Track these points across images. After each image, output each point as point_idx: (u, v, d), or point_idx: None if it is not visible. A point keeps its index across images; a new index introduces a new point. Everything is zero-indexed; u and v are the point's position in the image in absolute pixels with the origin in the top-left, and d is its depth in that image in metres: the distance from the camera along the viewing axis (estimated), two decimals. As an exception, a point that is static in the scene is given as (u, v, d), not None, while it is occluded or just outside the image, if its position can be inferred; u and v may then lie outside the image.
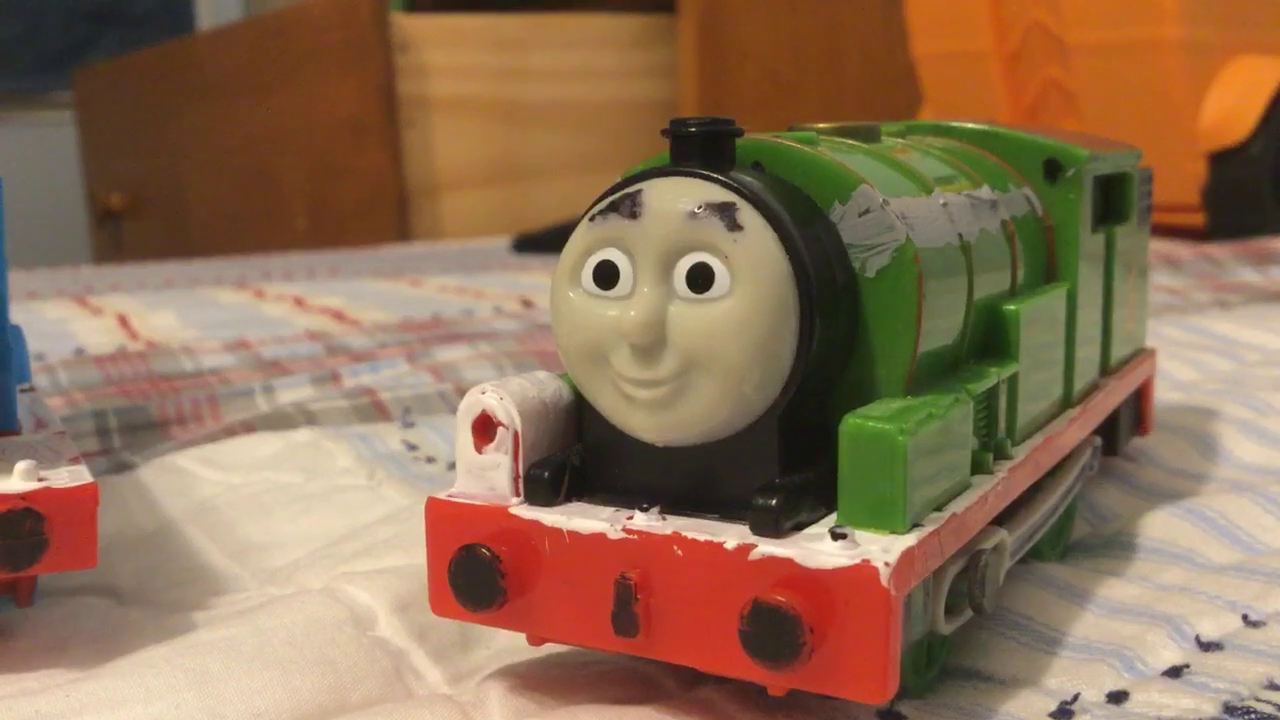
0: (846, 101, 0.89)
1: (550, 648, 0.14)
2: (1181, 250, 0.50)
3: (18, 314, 0.18)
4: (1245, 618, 0.14)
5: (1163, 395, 0.25)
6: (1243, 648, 0.14)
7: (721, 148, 0.11)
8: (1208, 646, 0.14)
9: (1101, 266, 0.15)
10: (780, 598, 0.10)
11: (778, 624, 0.10)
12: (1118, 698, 0.13)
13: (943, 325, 0.12)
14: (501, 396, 0.12)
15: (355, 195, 1.00)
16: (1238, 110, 0.59)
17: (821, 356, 0.11)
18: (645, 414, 0.11)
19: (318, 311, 0.43)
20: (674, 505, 0.11)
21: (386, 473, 0.22)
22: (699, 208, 0.11)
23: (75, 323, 0.41)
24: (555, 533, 0.11)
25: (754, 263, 0.11)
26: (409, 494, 0.21)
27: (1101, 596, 0.15)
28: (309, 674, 0.13)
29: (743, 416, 0.11)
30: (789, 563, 0.10)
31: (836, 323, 0.11)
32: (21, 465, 0.14)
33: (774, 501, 0.11)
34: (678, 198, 0.11)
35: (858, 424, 0.11)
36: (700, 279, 0.11)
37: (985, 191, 0.14)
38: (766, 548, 0.11)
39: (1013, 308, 0.13)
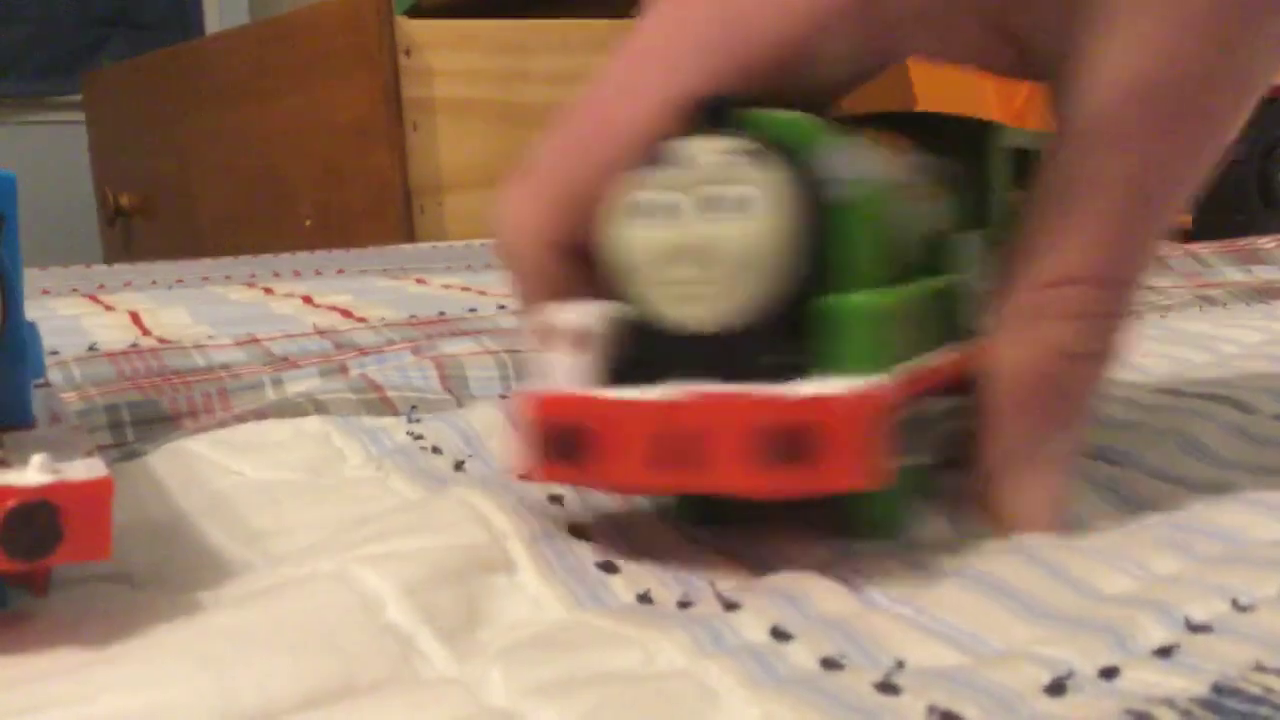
0: (840, 102, 0.89)
1: (552, 625, 0.15)
2: (1168, 249, 0.50)
3: (32, 310, 0.19)
4: (1235, 602, 0.14)
5: (1148, 393, 0.25)
6: (1232, 631, 0.14)
7: (729, 115, 0.16)
8: (1197, 629, 0.14)
9: (1011, 221, 0.20)
10: (784, 420, 0.14)
11: (785, 438, 0.14)
12: (1109, 674, 0.13)
13: (895, 246, 0.16)
14: (587, 313, 0.16)
15: (361, 196, 1.01)
16: None
17: (815, 262, 0.15)
18: (694, 307, 0.15)
19: (326, 309, 0.43)
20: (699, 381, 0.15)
21: (394, 464, 0.23)
22: (728, 151, 0.15)
23: (88, 319, 0.41)
24: (616, 404, 0.15)
25: (773, 192, 0.15)
26: (416, 487, 0.21)
27: (1091, 578, 0.15)
28: (319, 658, 0.14)
29: (759, 305, 0.15)
30: (785, 397, 0.14)
31: (819, 239, 0.15)
32: (37, 458, 0.14)
33: (781, 359, 0.15)
34: (710, 148, 0.15)
35: (835, 300, 0.15)
36: (733, 204, 0.15)
37: (919, 153, 0.18)
38: (772, 389, 0.14)
39: (951, 238, 0.18)
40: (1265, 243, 0.51)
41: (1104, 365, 0.17)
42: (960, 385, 0.17)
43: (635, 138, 0.16)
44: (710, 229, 0.15)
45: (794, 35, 0.16)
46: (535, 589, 0.16)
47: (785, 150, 0.15)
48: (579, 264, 0.17)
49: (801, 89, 0.17)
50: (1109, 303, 0.17)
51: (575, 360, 0.16)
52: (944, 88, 0.67)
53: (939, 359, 0.17)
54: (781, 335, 0.15)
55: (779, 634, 0.14)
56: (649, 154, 0.16)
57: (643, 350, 0.16)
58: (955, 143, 0.19)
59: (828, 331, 0.15)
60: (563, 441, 0.15)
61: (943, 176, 0.19)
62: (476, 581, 0.16)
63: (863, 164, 0.16)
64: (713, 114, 0.15)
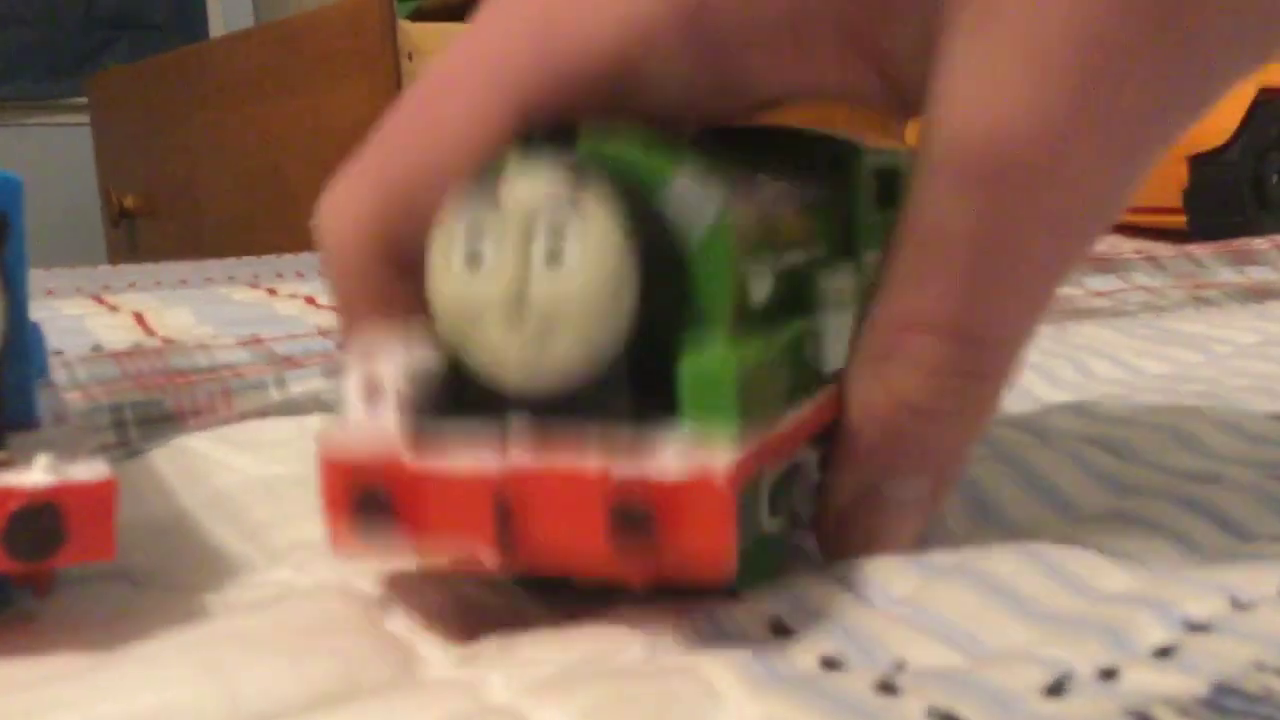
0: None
1: (553, 628, 0.15)
2: (1164, 249, 0.51)
3: (37, 311, 0.19)
4: (1234, 600, 0.14)
5: (1144, 393, 0.25)
6: (1232, 630, 0.14)
7: (564, 145, 0.14)
8: (1196, 628, 0.14)
9: (881, 243, 0.18)
10: (637, 502, 0.12)
11: (635, 522, 0.12)
12: (1109, 674, 0.13)
13: (756, 286, 0.15)
14: (387, 363, 0.14)
15: (366, 197, 1.00)
16: (1218, 115, 0.59)
17: (656, 315, 0.13)
18: (515, 368, 0.13)
19: (329, 310, 0.43)
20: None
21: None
22: (547, 195, 0.13)
23: (93, 320, 0.42)
24: (438, 471, 0.13)
25: (594, 240, 0.13)
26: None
27: (1090, 577, 0.15)
28: (321, 662, 0.14)
29: (594, 364, 0.13)
30: (640, 474, 0.13)
31: (667, 286, 0.14)
32: (41, 459, 0.14)
33: (628, 427, 0.13)
34: (531, 188, 0.13)
35: (693, 357, 0.13)
36: (552, 255, 0.13)
37: (786, 178, 0.17)
38: (619, 464, 0.13)
39: (814, 275, 0.16)
40: (1260, 244, 0.51)
41: (962, 426, 0.16)
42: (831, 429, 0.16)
43: (459, 137, 0.15)
44: (530, 282, 0.13)
45: (609, 48, 0.15)
46: (533, 602, 0.15)
47: (616, 184, 0.13)
48: (407, 277, 0.15)
49: (639, 112, 0.15)
50: (964, 361, 0.15)
51: (382, 418, 0.14)
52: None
53: (808, 409, 0.15)
54: (622, 399, 0.13)
55: (780, 629, 0.14)
56: (465, 185, 0.14)
57: (461, 402, 0.14)
58: (817, 162, 0.18)
59: (680, 394, 0.13)
60: (365, 506, 0.13)
61: (806, 201, 0.17)
62: (480, 597, 0.15)
63: (716, 194, 0.14)
64: (535, 140, 0.14)
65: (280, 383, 0.29)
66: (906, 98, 0.16)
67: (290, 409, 0.26)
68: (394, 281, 0.16)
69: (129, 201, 1.28)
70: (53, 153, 1.59)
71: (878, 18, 0.15)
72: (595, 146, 0.14)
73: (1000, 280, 0.15)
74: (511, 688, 0.13)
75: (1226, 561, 0.16)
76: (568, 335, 0.13)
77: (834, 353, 0.16)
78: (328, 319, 0.41)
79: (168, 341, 0.36)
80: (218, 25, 1.72)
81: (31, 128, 1.66)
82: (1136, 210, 0.63)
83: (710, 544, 0.12)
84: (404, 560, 0.15)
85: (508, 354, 0.13)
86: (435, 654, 0.14)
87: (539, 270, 0.13)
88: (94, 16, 1.75)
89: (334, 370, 0.31)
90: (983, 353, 0.15)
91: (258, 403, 0.28)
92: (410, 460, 0.13)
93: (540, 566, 0.13)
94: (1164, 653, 0.13)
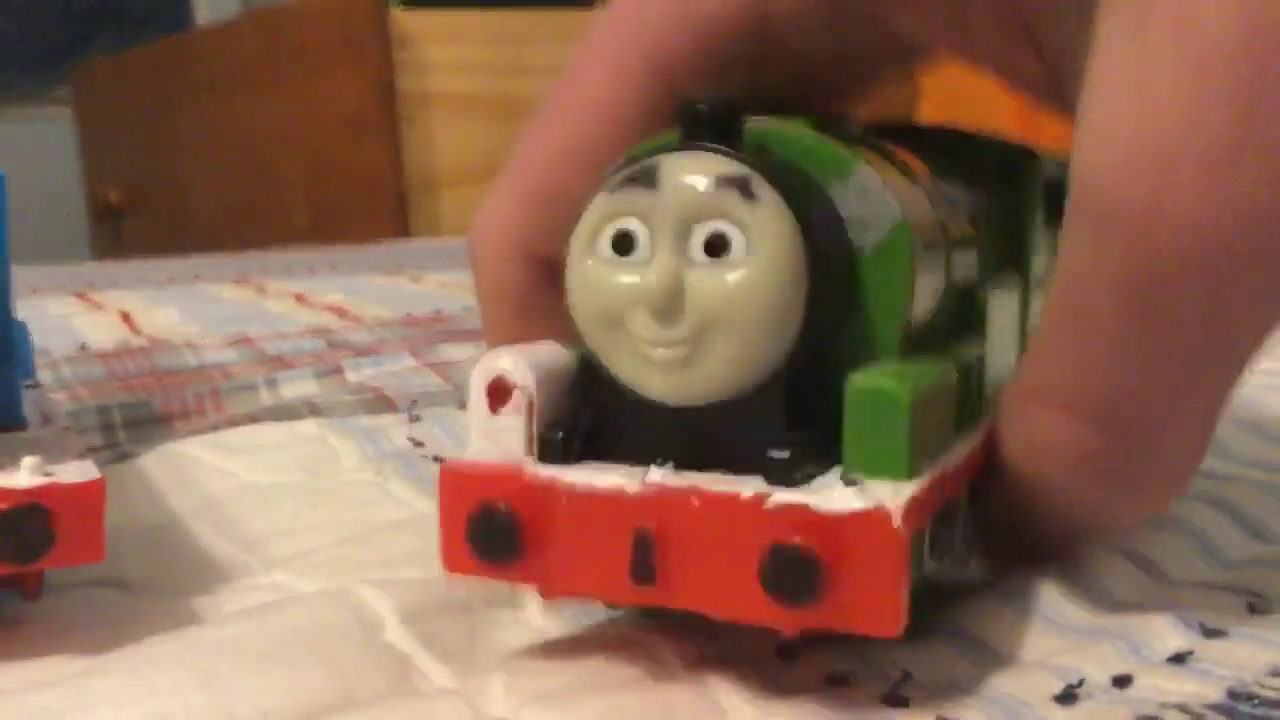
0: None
1: (558, 635, 0.14)
2: None
3: (21, 310, 0.18)
4: (1251, 606, 0.14)
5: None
6: (1247, 635, 0.14)
7: (730, 127, 0.12)
8: (1212, 633, 0.14)
9: (1047, 262, 0.17)
10: (798, 540, 0.11)
11: (796, 565, 0.11)
12: (1122, 681, 0.13)
13: (929, 300, 0.13)
14: (516, 360, 0.12)
15: (355, 191, 1.00)
16: None
17: (823, 323, 0.12)
18: (663, 374, 0.12)
19: (320, 308, 0.43)
20: (685, 465, 0.12)
21: (393, 468, 0.23)
22: (716, 179, 0.12)
23: (78, 318, 0.41)
24: (572, 489, 0.12)
25: (768, 231, 0.12)
26: (418, 493, 0.21)
27: (1105, 584, 0.15)
28: (316, 673, 0.13)
29: (753, 375, 0.12)
30: (804, 509, 0.11)
31: (836, 292, 0.12)
32: (28, 460, 0.14)
33: (782, 454, 0.11)
34: (694, 170, 0.12)
35: (864, 382, 0.11)
36: (716, 246, 0.12)
37: (956, 184, 0.15)
38: (782, 496, 0.11)
39: (984, 294, 0.15)
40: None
41: (1111, 511, 0.13)
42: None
43: (602, 109, 0.14)
44: (687, 276, 0.12)
45: (748, 2, 0.13)
46: (540, 623, 0.15)
47: (790, 178, 0.12)
48: (558, 289, 0.13)
49: (778, 64, 0.14)
50: (1105, 449, 0.12)
51: (506, 423, 0.12)
52: (950, 83, 0.66)
53: (975, 440, 0.13)
54: (778, 415, 0.12)
55: (785, 654, 0.13)
56: (617, 166, 0.12)
57: (601, 416, 0.12)
58: (981, 167, 0.16)
59: (846, 419, 0.11)
60: (489, 531, 0.12)
61: (975, 210, 0.15)
62: (480, 615, 0.15)
63: (889, 196, 0.12)
64: (698, 123, 0.12)
65: (270, 383, 0.29)
66: (1067, 96, 0.13)
67: (282, 413, 0.26)
68: (543, 295, 0.15)
69: (114, 196, 1.27)
70: (35, 146, 1.57)
71: None
72: (763, 131, 0.13)
73: (1153, 355, 0.12)
74: (510, 700, 0.13)
75: (1244, 565, 0.16)
76: (728, 339, 0.12)
77: (999, 379, 0.15)
78: (317, 316, 0.41)
79: (154, 341, 0.36)
80: (203, 15, 1.70)
81: (13, 121, 1.65)
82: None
83: (880, 591, 0.11)
84: (524, 590, 0.14)
85: (655, 356, 0.12)
86: (432, 664, 0.14)
87: (699, 262, 0.12)
88: (77, 6, 1.73)
89: (325, 371, 0.30)
90: (1130, 441, 0.12)
91: (248, 404, 0.27)
92: (537, 475, 0.12)
93: (680, 604, 0.12)
94: (1179, 659, 0.13)
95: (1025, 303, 0.16)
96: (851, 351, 0.12)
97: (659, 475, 0.12)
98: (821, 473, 0.12)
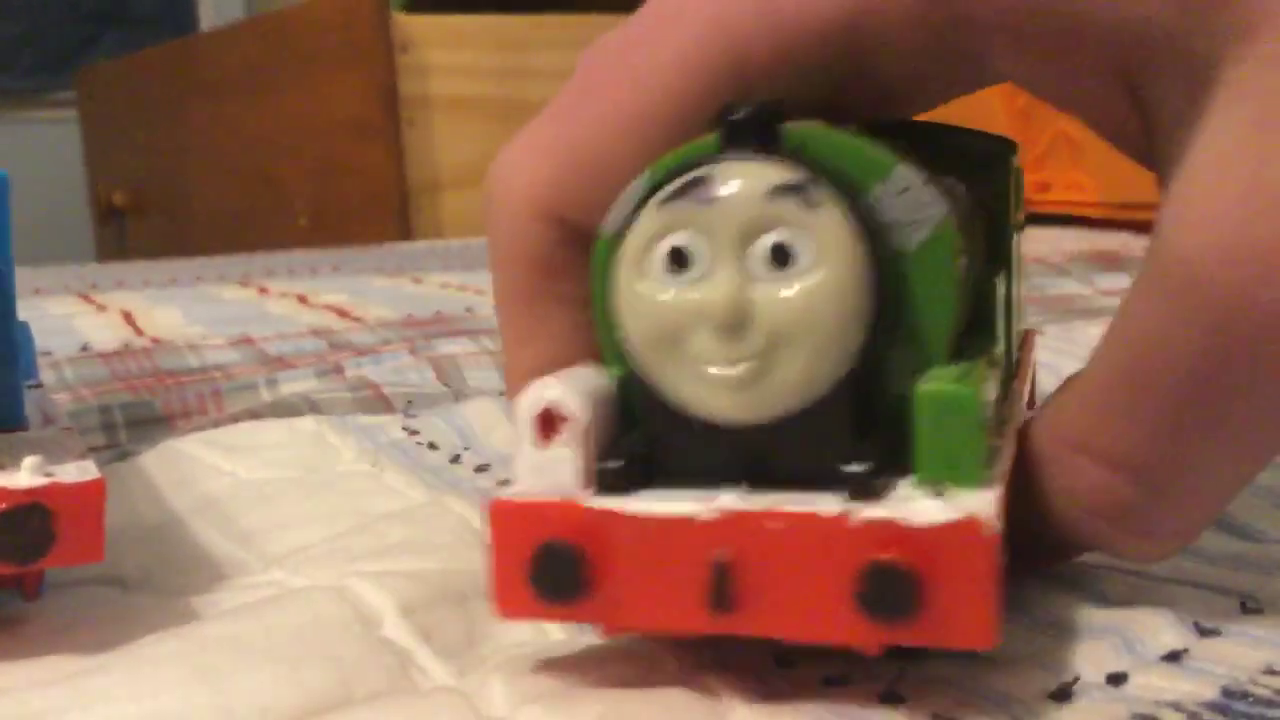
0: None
1: (554, 640, 0.14)
2: None
3: (24, 310, 0.18)
4: (1244, 605, 0.14)
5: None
6: (1241, 634, 0.14)
7: (772, 132, 0.12)
8: (1206, 632, 0.14)
9: (1017, 251, 0.17)
10: (893, 556, 0.11)
11: (894, 582, 0.11)
12: (1117, 679, 0.13)
13: (969, 298, 0.13)
14: (567, 389, 0.12)
15: (357, 194, 1.00)
16: None
17: (882, 329, 0.12)
18: (730, 393, 0.11)
19: (321, 308, 0.43)
20: (752, 485, 0.12)
21: (389, 459, 0.23)
22: (774, 187, 0.11)
23: (81, 319, 0.41)
24: (637, 520, 0.11)
25: (832, 238, 0.11)
26: (413, 483, 0.21)
27: (1098, 584, 0.15)
28: (315, 669, 0.13)
29: (821, 388, 0.11)
30: (894, 524, 0.11)
31: (889, 296, 0.12)
32: (29, 460, 0.14)
33: (859, 467, 0.11)
34: (750, 178, 0.11)
35: (933, 388, 0.11)
36: (780, 257, 0.11)
37: (952, 180, 0.15)
38: (870, 511, 0.11)
39: (993, 287, 0.14)
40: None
41: (1121, 552, 0.13)
42: None
43: (663, 89, 0.13)
44: (750, 289, 0.11)
45: (842, 11, 0.13)
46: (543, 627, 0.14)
47: (846, 183, 0.12)
48: (583, 257, 0.13)
49: (856, 80, 0.13)
50: (1137, 505, 0.13)
51: (559, 454, 0.12)
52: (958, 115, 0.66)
53: (1009, 441, 0.13)
54: (846, 427, 0.11)
55: (782, 661, 0.13)
56: (667, 181, 0.12)
57: (658, 440, 0.12)
58: (963, 160, 0.15)
59: (918, 426, 0.11)
60: (552, 569, 0.12)
61: (966, 205, 0.15)
62: (477, 606, 0.15)
63: (931, 194, 0.12)
64: (750, 129, 0.12)
65: (271, 383, 0.29)
66: (1157, 156, 0.13)
67: (281, 410, 0.26)
68: (566, 259, 0.14)
69: (118, 198, 1.27)
70: (40, 148, 1.57)
71: (1141, 61, 0.12)
72: (799, 136, 0.12)
73: (1213, 431, 0.12)
74: (510, 700, 0.13)
75: (1237, 564, 0.16)
76: (798, 352, 0.11)
77: (1006, 375, 0.14)
78: (319, 317, 0.41)
79: (157, 341, 0.36)
80: (208, 18, 1.70)
81: (18, 123, 1.65)
82: (1146, 207, 0.63)
83: (976, 602, 0.11)
84: (592, 630, 0.13)
85: (720, 375, 0.11)
86: (431, 661, 0.14)
87: (763, 275, 0.11)
88: (82, 9, 1.73)
89: (326, 371, 0.30)
90: (1165, 499, 0.13)
91: (248, 403, 0.28)
92: (599, 507, 0.12)
93: (765, 631, 0.11)
94: (1174, 657, 0.13)
95: (1009, 295, 0.16)
96: (904, 356, 0.12)
97: (730, 499, 0.11)
98: (895, 484, 0.11)
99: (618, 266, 0.12)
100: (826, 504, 0.11)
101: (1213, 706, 0.12)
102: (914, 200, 0.12)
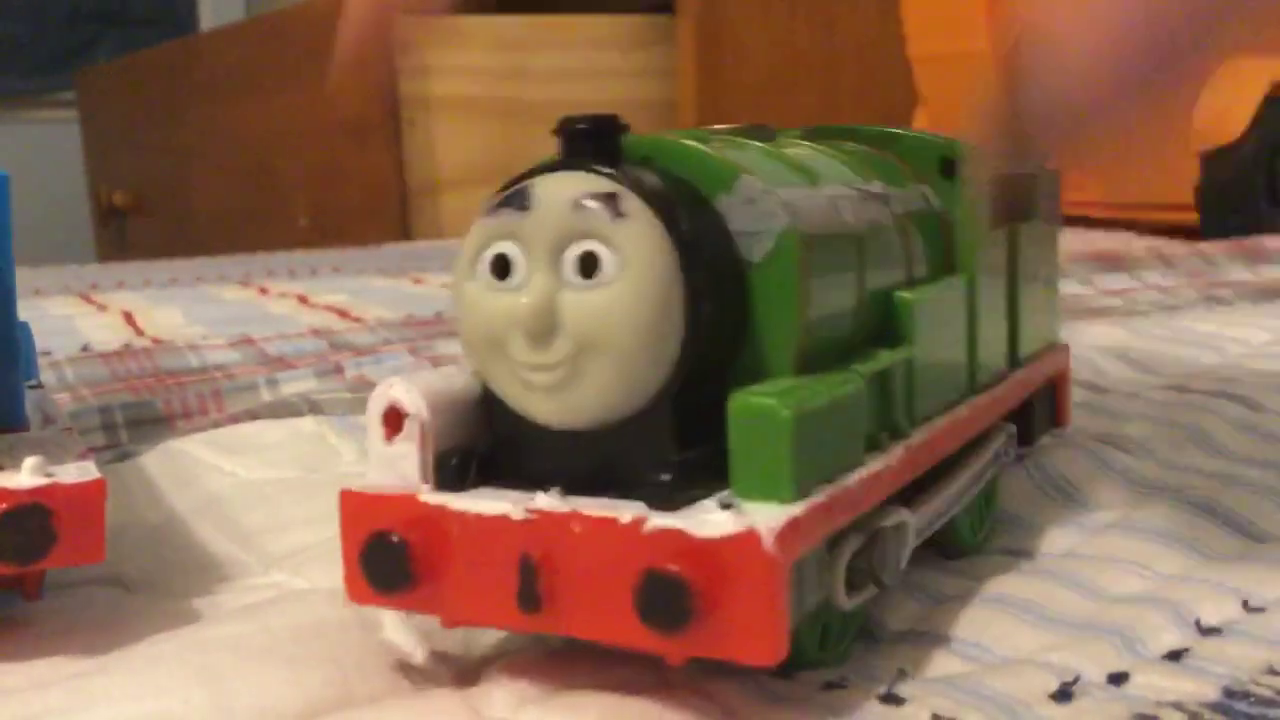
0: (842, 101, 0.89)
1: (553, 642, 0.14)
2: (1175, 248, 0.51)
3: (24, 311, 0.18)
4: (1245, 604, 0.14)
5: (1157, 391, 0.25)
6: (1243, 633, 0.14)
7: (607, 143, 0.12)
8: (1208, 631, 0.14)
9: (1004, 261, 0.16)
10: (671, 566, 0.11)
11: (669, 591, 0.11)
12: (1118, 679, 0.13)
13: (830, 310, 0.13)
14: (409, 388, 0.12)
15: (357, 194, 1.00)
16: (1230, 110, 0.60)
17: (711, 339, 0.12)
18: (543, 398, 0.12)
19: (321, 309, 0.43)
20: (577, 488, 0.12)
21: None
22: (584, 198, 0.12)
23: (81, 319, 0.41)
24: (461, 516, 0.12)
25: (638, 248, 0.11)
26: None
27: (1100, 582, 0.15)
28: (316, 671, 0.13)
29: (636, 397, 0.12)
30: (679, 533, 0.11)
31: (724, 306, 0.12)
32: (30, 461, 0.14)
33: (666, 477, 0.11)
34: (564, 189, 0.12)
35: (744, 400, 0.11)
36: (588, 265, 0.11)
37: (876, 186, 0.14)
38: (658, 520, 0.11)
39: (906, 296, 0.14)
40: (1272, 242, 0.51)
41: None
42: (922, 485, 0.14)
43: None
44: (560, 298, 0.11)
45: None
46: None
47: (671, 192, 0.12)
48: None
49: None
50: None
51: (401, 450, 0.12)
52: (947, 84, 0.66)
53: (890, 462, 0.13)
54: (667, 436, 0.11)
55: (781, 671, 0.13)
56: (500, 191, 0.12)
57: (499, 441, 0.12)
58: (922, 166, 0.15)
59: (730, 439, 0.11)
60: (381, 560, 0.12)
61: (905, 211, 0.15)
62: None
63: (774, 205, 0.12)
64: (576, 139, 0.12)
65: (272, 383, 0.29)
66: None
67: (281, 411, 0.26)
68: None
69: (118, 198, 1.27)
70: (40, 149, 1.57)
71: None
72: (646, 145, 0.12)
73: None
74: (510, 701, 0.13)
75: (1239, 563, 0.16)
76: (604, 360, 0.11)
77: (935, 388, 0.14)
78: (319, 318, 0.41)
79: (157, 341, 0.36)
80: (208, 18, 1.70)
81: (18, 123, 1.65)
82: (1148, 207, 0.63)
83: (756, 617, 0.10)
84: (420, 614, 0.13)
85: (534, 380, 0.12)
86: (432, 664, 0.14)
87: (572, 282, 0.11)
88: (82, 10, 1.73)
89: (326, 371, 0.30)
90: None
91: (249, 403, 0.28)
92: (429, 502, 0.12)
93: (566, 631, 0.12)
94: (1175, 656, 0.13)
95: (972, 301, 0.15)
96: (746, 368, 0.12)
97: (544, 500, 0.11)
98: (706, 495, 0.11)
99: (454, 272, 0.12)
100: (624, 511, 0.11)
101: (1215, 707, 0.12)
102: (758, 211, 0.12)
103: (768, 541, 0.11)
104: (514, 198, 0.12)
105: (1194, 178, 0.60)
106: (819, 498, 0.11)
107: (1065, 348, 0.20)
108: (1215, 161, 0.60)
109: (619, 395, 0.11)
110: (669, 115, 0.92)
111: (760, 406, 0.11)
